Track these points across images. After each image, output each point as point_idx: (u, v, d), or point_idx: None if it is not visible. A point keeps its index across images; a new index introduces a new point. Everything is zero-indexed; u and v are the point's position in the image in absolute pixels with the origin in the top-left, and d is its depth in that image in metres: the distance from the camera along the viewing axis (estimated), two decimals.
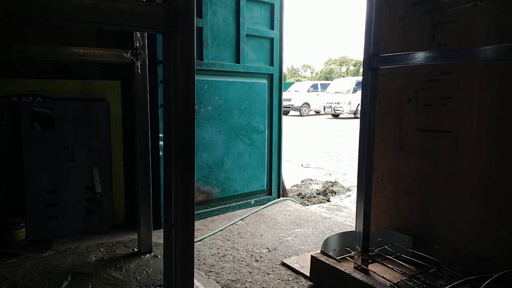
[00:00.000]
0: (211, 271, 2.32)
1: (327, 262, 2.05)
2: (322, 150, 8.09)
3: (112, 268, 2.15)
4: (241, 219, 3.26)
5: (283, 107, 6.17)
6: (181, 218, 1.12)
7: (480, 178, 2.03)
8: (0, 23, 2.86)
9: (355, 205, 2.19)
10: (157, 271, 2.13)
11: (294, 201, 3.90)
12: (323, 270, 2.07)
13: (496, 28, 1.93)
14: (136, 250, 2.39)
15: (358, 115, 3.64)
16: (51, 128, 2.73)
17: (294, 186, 4.89)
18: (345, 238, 2.34)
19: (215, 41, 3.24)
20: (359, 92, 9.37)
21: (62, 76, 2.91)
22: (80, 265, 2.17)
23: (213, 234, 2.93)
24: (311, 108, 19.77)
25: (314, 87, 20.95)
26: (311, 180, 5.17)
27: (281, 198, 3.84)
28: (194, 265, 1.48)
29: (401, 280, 1.90)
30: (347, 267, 1.97)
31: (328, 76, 45.46)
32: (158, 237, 2.69)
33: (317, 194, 4.51)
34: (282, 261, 2.45)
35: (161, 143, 2.91)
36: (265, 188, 3.75)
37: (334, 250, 2.31)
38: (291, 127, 12.79)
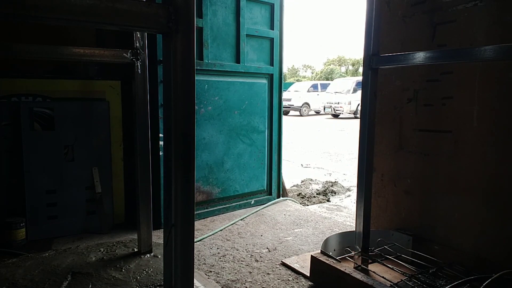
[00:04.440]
0: (211, 271, 2.32)
1: (327, 262, 2.05)
2: (322, 150, 8.09)
3: (112, 268, 2.15)
4: (241, 219, 3.26)
5: (283, 107, 6.17)
6: (181, 218, 1.12)
7: (480, 178, 2.03)
8: (0, 23, 2.86)
9: (355, 205, 2.19)
10: (157, 271, 2.13)
11: (294, 201, 3.90)
12: (323, 270, 2.07)
13: (496, 28, 1.93)
14: (136, 250, 2.39)
15: (358, 115, 3.64)
16: (51, 128, 2.73)
17: (294, 186, 4.89)
18: (345, 238, 2.34)
19: (215, 41, 3.24)
20: (359, 92, 9.36)
21: (62, 76, 2.90)
22: (80, 265, 2.17)
23: (213, 234, 2.93)
24: (311, 108, 19.77)
25: (314, 87, 20.94)
26: (311, 180, 5.17)
27: (281, 198, 3.84)
28: (194, 265, 1.48)
29: (401, 280, 1.90)
30: (347, 267, 1.97)
31: (328, 76, 45.49)
32: (158, 237, 2.69)
33: (317, 194, 4.51)
34: (282, 261, 2.45)
35: (161, 143, 2.91)
36: (265, 188, 3.75)
37: (334, 250, 2.31)
38: (291, 127, 12.79)
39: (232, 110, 3.41)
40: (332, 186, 4.82)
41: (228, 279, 2.23)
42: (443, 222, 2.20)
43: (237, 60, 3.38)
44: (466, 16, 2.04)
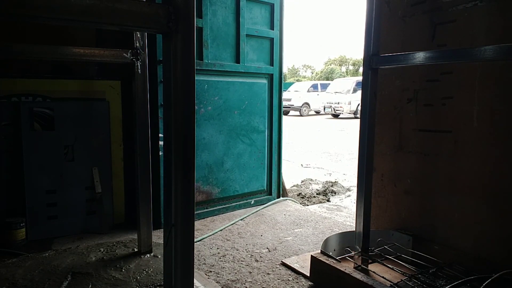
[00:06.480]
0: (211, 271, 2.32)
1: (327, 262, 2.05)
2: (322, 150, 8.09)
3: (112, 268, 2.15)
4: (241, 219, 3.26)
5: (283, 107, 6.17)
6: (181, 218, 1.12)
7: (480, 178, 2.03)
8: (0, 23, 2.86)
9: (355, 205, 2.19)
10: (157, 271, 2.13)
11: (294, 201, 3.90)
12: (323, 270, 2.07)
13: (496, 28, 1.93)
14: (136, 250, 2.39)
15: (358, 115, 3.64)
16: (51, 128, 2.73)
17: (294, 186, 4.89)
18: (345, 238, 2.34)
19: (215, 41, 3.24)
20: (359, 92, 9.37)
21: (62, 76, 2.90)
22: (80, 265, 2.17)
23: (213, 234, 2.93)
24: (311, 108, 19.76)
25: (314, 87, 20.94)
26: (311, 180, 5.17)
27: (281, 198, 3.84)
28: (194, 265, 1.48)
29: (401, 280, 1.90)
30: (347, 267, 1.97)
31: (328, 76, 45.52)
32: (158, 237, 2.69)
33: (317, 194, 4.51)
34: (282, 261, 2.45)
35: (161, 143, 2.91)
36: (265, 188, 3.75)
37: (334, 250, 2.31)
38: (291, 127, 12.79)
39: (232, 110, 3.41)
40: (332, 186, 4.82)
41: (228, 279, 2.23)
42: (443, 222, 2.20)
43: (237, 60, 3.38)
44: (466, 16, 2.04)
